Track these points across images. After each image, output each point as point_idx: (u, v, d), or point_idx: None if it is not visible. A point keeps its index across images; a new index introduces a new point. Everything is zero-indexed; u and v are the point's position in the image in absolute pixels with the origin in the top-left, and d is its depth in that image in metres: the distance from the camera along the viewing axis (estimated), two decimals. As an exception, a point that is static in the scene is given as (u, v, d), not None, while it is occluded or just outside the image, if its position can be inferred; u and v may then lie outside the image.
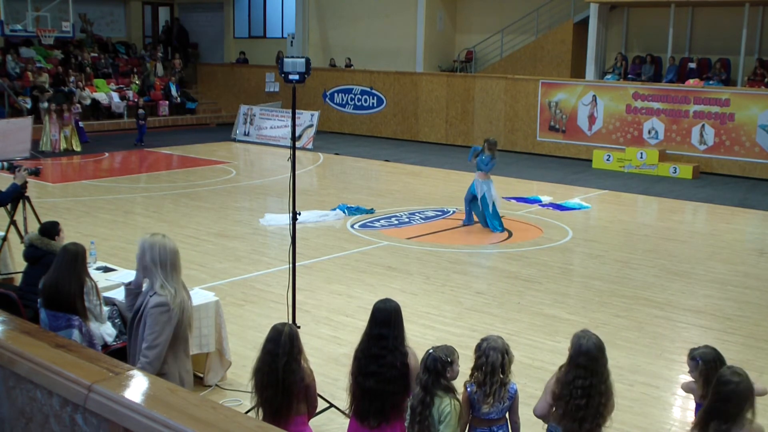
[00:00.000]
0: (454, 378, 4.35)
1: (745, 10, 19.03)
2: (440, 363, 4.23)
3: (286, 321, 4.62)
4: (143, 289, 4.60)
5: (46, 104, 20.37)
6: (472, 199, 12.13)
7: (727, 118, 17.87)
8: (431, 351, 4.27)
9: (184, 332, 4.42)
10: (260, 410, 4.41)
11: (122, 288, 6.44)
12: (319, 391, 4.79)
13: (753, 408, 3.90)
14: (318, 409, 5.03)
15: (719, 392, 3.87)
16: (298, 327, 4.80)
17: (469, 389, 4.38)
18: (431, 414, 4.17)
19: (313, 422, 4.93)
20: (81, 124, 21.34)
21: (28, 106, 22.04)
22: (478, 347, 4.40)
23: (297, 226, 6.42)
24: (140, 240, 4.41)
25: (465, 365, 4.70)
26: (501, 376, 4.33)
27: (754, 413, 3.91)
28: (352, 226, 12.31)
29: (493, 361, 4.29)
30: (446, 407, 4.17)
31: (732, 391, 3.83)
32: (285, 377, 4.30)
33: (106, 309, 5.87)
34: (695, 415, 4.59)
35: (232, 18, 29.49)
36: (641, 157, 18.28)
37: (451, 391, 4.26)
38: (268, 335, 4.42)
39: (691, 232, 12.84)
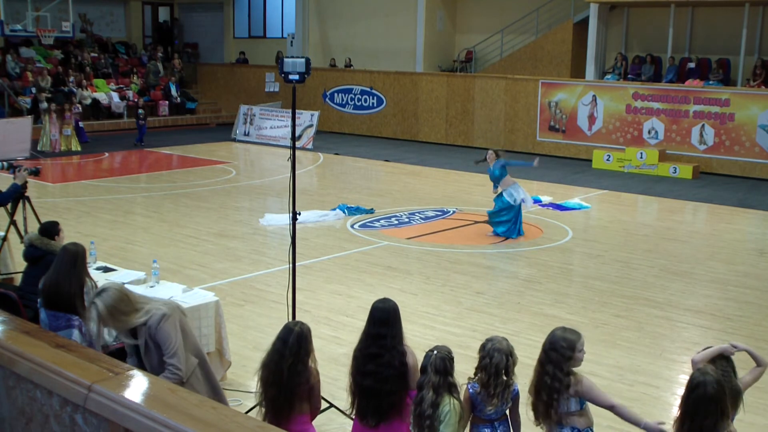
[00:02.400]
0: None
1: (745, 10, 19.03)
2: (448, 361, 4.24)
3: (298, 320, 4.61)
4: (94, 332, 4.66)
5: (45, 104, 20.38)
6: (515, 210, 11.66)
7: (727, 118, 17.87)
8: (435, 352, 4.25)
9: (183, 323, 4.52)
10: (262, 406, 4.42)
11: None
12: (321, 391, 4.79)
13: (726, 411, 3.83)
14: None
15: (688, 396, 3.86)
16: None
17: (471, 390, 4.37)
18: (438, 414, 4.17)
19: (314, 422, 4.93)
20: (81, 124, 21.35)
21: (28, 106, 22.04)
22: (483, 347, 4.39)
23: (297, 226, 6.42)
24: (93, 309, 4.31)
25: (464, 365, 4.70)
26: (505, 378, 4.32)
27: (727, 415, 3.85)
28: (352, 226, 12.31)
29: (497, 363, 4.28)
30: (446, 406, 4.17)
31: (700, 396, 3.80)
32: (289, 378, 4.30)
33: (106, 309, 5.86)
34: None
35: (232, 18, 29.50)
36: (641, 157, 18.28)
37: (455, 388, 4.25)
38: (279, 333, 4.44)
39: (691, 232, 12.84)
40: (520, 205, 11.62)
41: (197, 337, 6.06)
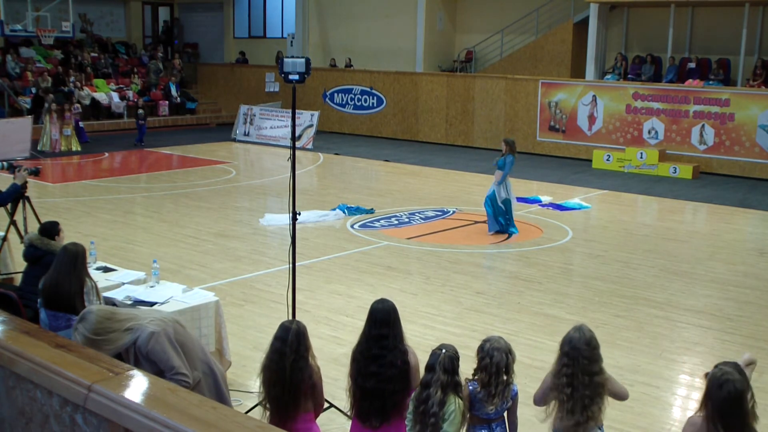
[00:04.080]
0: None
1: (745, 10, 19.03)
2: (455, 360, 4.24)
3: (292, 319, 4.61)
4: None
5: (46, 104, 20.38)
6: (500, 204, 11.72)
7: (727, 118, 17.87)
8: (444, 351, 4.24)
9: (182, 335, 4.39)
10: (267, 407, 4.39)
11: (123, 288, 6.46)
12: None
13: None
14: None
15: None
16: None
17: (471, 388, 4.37)
18: (443, 413, 4.17)
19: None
20: (81, 124, 21.36)
21: (28, 106, 22.04)
22: (481, 348, 4.38)
23: (297, 226, 6.42)
24: (77, 336, 4.12)
25: (464, 365, 4.69)
26: (505, 376, 4.32)
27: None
28: (352, 226, 12.31)
29: (498, 362, 4.28)
30: (451, 405, 4.17)
31: (730, 394, 3.76)
32: (292, 375, 4.29)
33: (106, 309, 5.85)
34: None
35: (232, 18, 29.49)
36: (641, 157, 18.29)
37: (460, 388, 4.25)
38: (276, 333, 4.42)
39: (691, 232, 12.84)
40: (492, 201, 11.65)
41: (197, 337, 6.07)
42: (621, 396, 4.54)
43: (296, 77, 6.23)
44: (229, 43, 29.52)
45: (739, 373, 3.83)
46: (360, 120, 24.20)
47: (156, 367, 4.18)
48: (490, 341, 4.38)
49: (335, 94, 24.61)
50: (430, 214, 13.36)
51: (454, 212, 13.44)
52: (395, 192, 15.38)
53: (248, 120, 23.18)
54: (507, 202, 11.75)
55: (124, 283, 6.58)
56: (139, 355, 4.20)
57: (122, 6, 29.08)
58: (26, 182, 8.16)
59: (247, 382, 6.49)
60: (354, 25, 26.02)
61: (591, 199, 14.81)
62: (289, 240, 6.33)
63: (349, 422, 4.87)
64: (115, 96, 24.68)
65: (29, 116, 20.09)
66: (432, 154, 20.57)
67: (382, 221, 12.72)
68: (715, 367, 3.92)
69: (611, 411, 6.10)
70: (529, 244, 11.48)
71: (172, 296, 6.30)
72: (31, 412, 2.99)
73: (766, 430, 5.98)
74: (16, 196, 8.12)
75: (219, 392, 4.46)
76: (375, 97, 23.76)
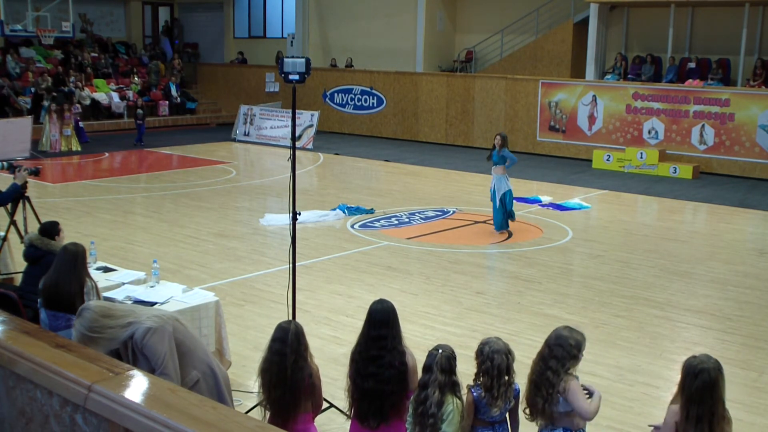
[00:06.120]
0: None
1: (745, 10, 19.02)
2: (452, 360, 4.24)
3: (288, 320, 4.61)
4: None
5: (46, 104, 20.38)
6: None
7: (727, 118, 17.87)
8: (441, 351, 4.24)
9: (181, 333, 4.38)
10: (267, 408, 4.39)
11: (123, 288, 6.46)
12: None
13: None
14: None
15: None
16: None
17: (475, 394, 4.36)
18: (441, 413, 4.17)
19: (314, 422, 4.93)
20: (81, 124, 21.36)
21: (28, 106, 22.04)
22: (480, 352, 4.36)
23: (297, 226, 6.42)
24: (74, 332, 4.15)
25: (464, 365, 4.69)
26: (507, 377, 4.32)
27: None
28: (352, 226, 12.31)
29: (499, 364, 4.27)
30: (449, 405, 4.17)
31: (705, 382, 3.88)
32: (293, 375, 4.30)
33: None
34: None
35: (232, 18, 29.50)
36: (641, 157, 18.28)
37: (458, 387, 4.25)
38: (274, 335, 4.41)
39: (691, 232, 12.84)
40: (496, 197, 11.60)
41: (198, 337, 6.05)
42: (580, 411, 4.27)
43: (296, 77, 6.23)
44: (229, 43, 29.52)
45: (713, 363, 3.94)
46: (360, 120, 24.20)
47: (149, 363, 4.18)
48: (489, 344, 4.35)
49: (335, 94, 24.61)
50: (430, 214, 13.36)
51: (454, 212, 13.44)
52: (395, 192, 15.38)
53: (248, 120, 23.18)
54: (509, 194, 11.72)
55: (124, 283, 6.58)
56: (136, 349, 4.21)
57: (122, 6, 29.08)
58: (26, 182, 8.16)
59: (247, 382, 6.49)
60: (354, 25, 26.02)
61: (591, 199, 14.81)
62: (289, 240, 6.33)
63: (349, 422, 4.87)
64: (115, 96, 24.67)
65: (29, 116, 20.09)
66: (432, 154, 20.57)
67: (382, 221, 12.72)
68: (691, 357, 4.03)
69: (611, 411, 6.12)
70: (529, 244, 11.48)
71: (172, 296, 6.30)
72: (31, 412, 3.00)
73: (766, 431, 5.99)
74: (16, 196, 8.12)
75: (219, 394, 4.44)
76: (375, 97, 23.76)
